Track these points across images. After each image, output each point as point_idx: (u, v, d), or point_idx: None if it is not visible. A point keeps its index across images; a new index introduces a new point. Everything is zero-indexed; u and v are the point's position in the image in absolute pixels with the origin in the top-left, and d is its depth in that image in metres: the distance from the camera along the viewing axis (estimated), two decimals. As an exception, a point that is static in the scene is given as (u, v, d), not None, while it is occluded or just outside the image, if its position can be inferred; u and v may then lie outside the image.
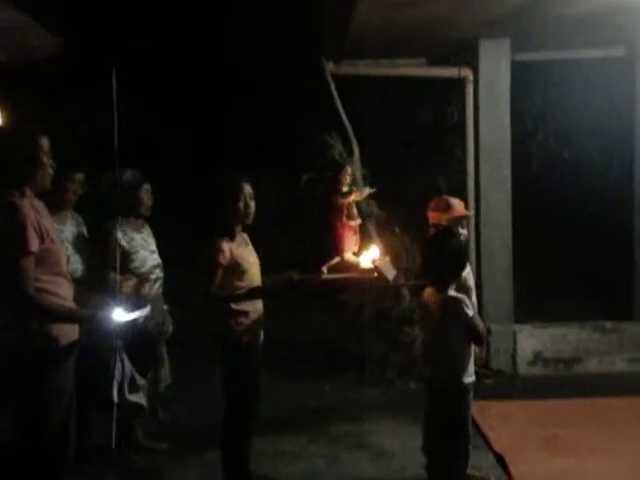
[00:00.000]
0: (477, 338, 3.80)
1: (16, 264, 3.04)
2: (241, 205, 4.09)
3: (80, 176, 4.41)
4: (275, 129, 9.08)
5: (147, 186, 4.67)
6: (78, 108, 9.20)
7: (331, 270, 4.19)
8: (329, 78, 6.64)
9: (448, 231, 4.24)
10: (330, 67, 6.67)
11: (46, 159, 3.24)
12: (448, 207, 4.64)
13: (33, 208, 3.19)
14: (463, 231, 4.54)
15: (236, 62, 10.38)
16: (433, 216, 4.66)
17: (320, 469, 4.63)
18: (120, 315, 3.22)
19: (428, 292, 3.95)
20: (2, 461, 3.35)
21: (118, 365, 3.70)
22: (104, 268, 4.36)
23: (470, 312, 3.73)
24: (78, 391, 3.34)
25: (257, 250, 4.27)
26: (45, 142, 3.24)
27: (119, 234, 4.47)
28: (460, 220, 4.66)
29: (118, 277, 4.32)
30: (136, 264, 4.52)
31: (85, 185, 4.47)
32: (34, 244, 3.09)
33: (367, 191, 4.53)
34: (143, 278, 4.54)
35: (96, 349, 3.62)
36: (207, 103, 10.71)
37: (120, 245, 4.44)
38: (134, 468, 4.58)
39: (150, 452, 4.79)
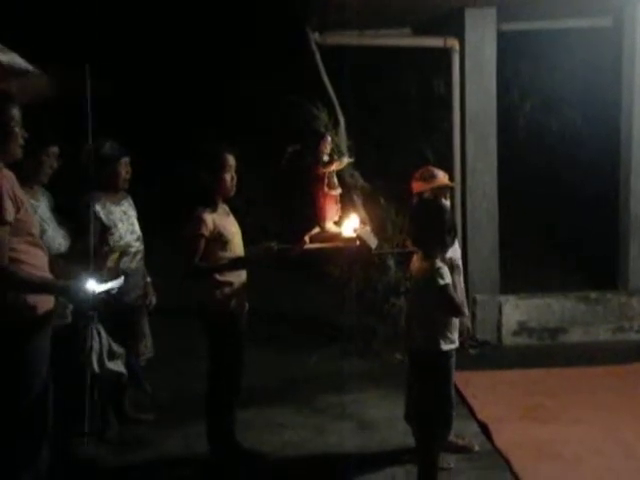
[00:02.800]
0: (449, 309, 3.82)
1: None
2: (224, 176, 4.08)
3: (55, 149, 4.31)
4: (261, 100, 9.01)
5: (126, 159, 4.61)
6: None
7: (313, 240, 4.17)
8: (314, 48, 6.59)
9: (432, 199, 4.24)
10: (315, 37, 6.61)
11: (17, 129, 3.20)
12: (432, 177, 4.63)
13: (8, 178, 3.15)
14: (446, 202, 4.53)
15: (220, 31, 10.27)
16: (417, 186, 4.65)
17: (306, 439, 4.65)
18: (93, 286, 3.20)
19: (415, 260, 3.98)
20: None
21: (95, 335, 3.70)
22: (82, 242, 4.32)
23: (442, 282, 3.74)
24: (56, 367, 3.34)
25: (246, 223, 4.26)
26: (16, 111, 3.19)
27: (97, 207, 4.43)
28: (444, 190, 4.65)
29: (97, 250, 4.29)
30: (115, 237, 4.48)
31: (60, 159, 4.40)
32: (10, 214, 3.06)
33: (347, 160, 4.50)
34: (122, 251, 4.51)
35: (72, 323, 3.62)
36: (190, 74, 10.61)
37: (98, 218, 4.40)
38: (121, 439, 4.60)
39: (136, 423, 4.80)
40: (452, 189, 5.36)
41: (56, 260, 3.64)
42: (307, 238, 4.13)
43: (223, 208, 4.19)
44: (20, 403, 3.15)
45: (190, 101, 10.51)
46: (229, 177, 4.10)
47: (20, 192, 3.20)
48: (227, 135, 4.82)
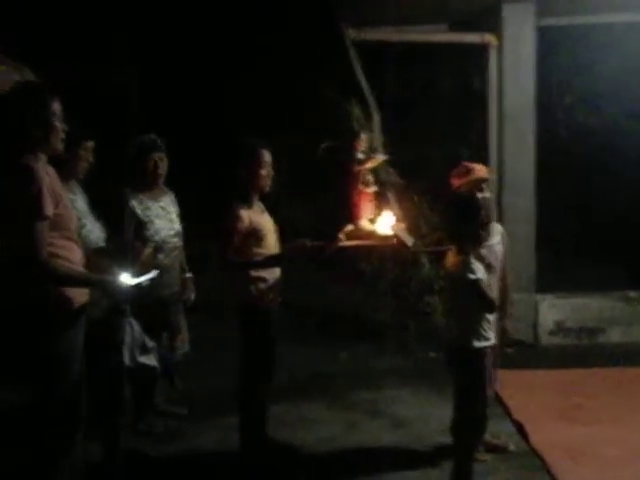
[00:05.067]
0: (481, 305, 3.78)
1: (31, 228, 3.05)
2: (259, 172, 4.08)
3: (91, 144, 4.33)
4: (294, 96, 9.02)
5: (161, 153, 4.62)
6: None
7: (347, 238, 4.16)
8: (349, 44, 6.56)
9: (465, 194, 4.19)
10: (350, 33, 6.59)
11: (58, 123, 3.24)
12: (467, 171, 4.57)
13: (48, 173, 3.20)
14: (484, 194, 4.45)
15: (255, 25, 10.27)
16: (454, 182, 4.61)
17: (338, 435, 4.65)
18: (127, 280, 3.23)
19: (449, 255, 3.96)
20: (20, 425, 3.41)
21: (128, 329, 3.74)
22: (118, 236, 4.36)
23: (473, 276, 3.72)
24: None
25: (277, 219, 4.27)
26: (57, 106, 3.23)
27: (134, 202, 4.47)
28: (480, 183, 4.58)
29: (133, 245, 4.33)
30: (151, 232, 4.51)
31: (94, 153, 4.42)
32: (49, 208, 3.10)
33: (382, 158, 4.48)
34: (157, 246, 4.54)
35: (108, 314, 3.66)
36: (223, 69, 10.64)
37: (134, 213, 4.44)
38: (155, 432, 4.64)
39: (170, 416, 4.84)
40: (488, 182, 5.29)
41: (92, 254, 3.68)
42: (341, 235, 4.12)
43: (258, 205, 4.19)
44: (54, 396, 3.19)
45: (222, 97, 10.55)
46: (265, 173, 4.11)
47: (59, 187, 3.24)
48: (261, 131, 4.82)
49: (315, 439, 4.59)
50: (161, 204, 4.65)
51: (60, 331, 3.17)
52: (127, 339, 3.73)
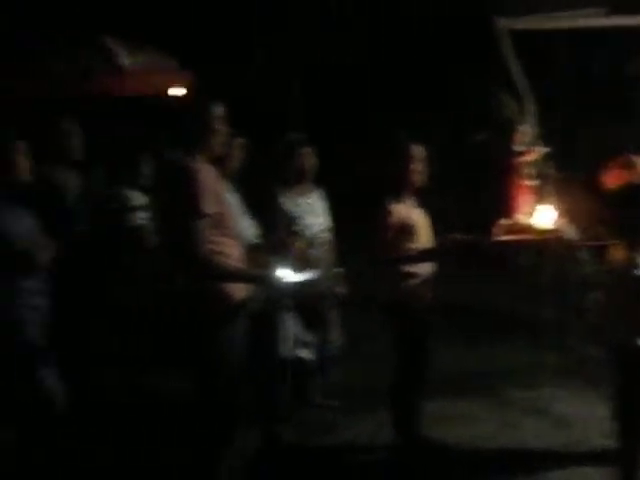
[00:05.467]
0: None
1: (191, 226, 3.19)
2: (412, 167, 4.07)
3: (241, 141, 4.45)
4: (442, 87, 8.89)
5: (308, 149, 4.68)
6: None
7: (504, 232, 4.07)
8: (501, 34, 6.39)
9: (633, 186, 3.97)
10: (502, 23, 6.41)
11: (219, 126, 3.37)
12: (630, 165, 4.35)
13: (207, 173, 3.34)
14: None
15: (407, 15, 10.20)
16: (615, 176, 4.39)
17: (496, 433, 4.56)
18: (288, 276, 3.31)
19: (614, 251, 3.77)
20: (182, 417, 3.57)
21: (286, 323, 3.83)
22: (269, 233, 4.48)
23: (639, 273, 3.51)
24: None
25: (426, 212, 4.24)
26: (219, 109, 3.37)
27: (283, 199, 4.57)
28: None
29: (284, 241, 4.43)
30: (301, 228, 4.58)
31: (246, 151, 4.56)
32: (209, 207, 3.23)
33: (542, 150, 4.33)
34: (309, 242, 4.62)
35: (268, 309, 3.76)
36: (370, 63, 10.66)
37: (284, 210, 4.54)
38: (307, 424, 4.73)
39: (323, 409, 4.90)
40: None
41: (249, 251, 3.81)
42: (497, 229, 4.04)
43: (410, 200, 4.18)
44: (216, 389, 3.32)
45: (372, 90, 10.56)
46: (416, 168, 4.09)
47: (219, 185, 3.38)
48: (412, 124, 4.80)
49: (471, 436, 4.51)
50: (310, 200, 4.73)
51: (220, 326, 3.29)
52: (286, 333, 3.82)
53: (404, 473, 4.16)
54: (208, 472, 3.35)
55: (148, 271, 4.65)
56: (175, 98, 5.21)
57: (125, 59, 6.55)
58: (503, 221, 4.11)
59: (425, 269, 4.13)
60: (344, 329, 4.94)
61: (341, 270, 4.89)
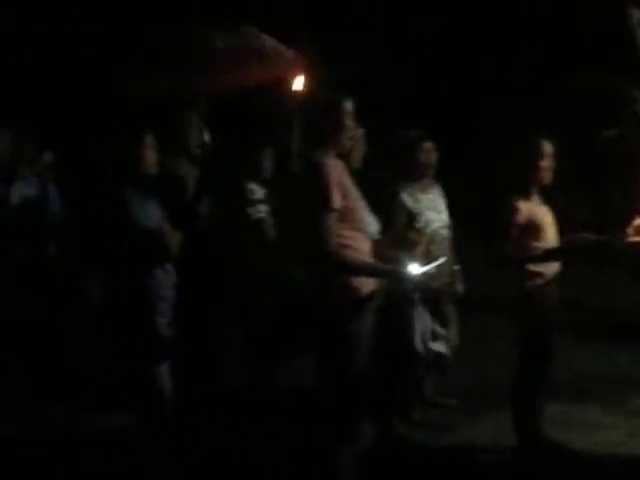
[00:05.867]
0: None
1: (320, 220, 3.22)
2: (540, 164, 3.98)
3: (362, 133, 4.44)
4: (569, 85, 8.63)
5: (428, 145, 4.64)
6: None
7: (637, 232, 3.89)
8: (635, 25, 6.10)
9: None
10: (637, 13, 6.12)
11: (349, 122, 3.38)
12: None
13: (336, 167, 3.36)
14: None
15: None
16: None
17: (618, 441, 4.38)
18: (416, 269, 3.29)
19: None
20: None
21: (418, 316, 3.81)
22: (391, 228, 4.46)
23: None
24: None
25: (552, 210, 4.13)
26: (349, 105, 3.38)
27: (404, 195, 4.53)
28: None
29: (406, 236, 4.40)
30: (422, 225, 4.55)
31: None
32: (337, 201, 3.25)
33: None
34: (429, 238, 4.57)
35: (397, 303, 3.75)
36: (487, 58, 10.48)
37: (405, 206, 4.50)
38: (426, 422, 4.70)
39: (440, 407, 4.87)
40: None
41: (374, 245, 3.81)
42: (630, 230, 3.87)
43: (538, 197, 4.09)
44: (344, 381, 3.33)
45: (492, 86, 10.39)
46: (544, 165, 3.99)
47: (348, 180, 3.40)
48: (538, 121, 4.67)
49: (592, 443, 4.35)
50: (430, 196, 4.70)
51: (348, 320, 3.30)
52: (418, 326, 3.81)
53: (525, 476, 4.07)
54: (330, 468, 3.36)
55: (267, 264, 4.72)
56: (294, 92, 5.22)
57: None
58: (636, 221, 3.93)
59: (551, 268, 4.03)
60: (460, 327, 4.87)
61: (459, 268, 4.84)
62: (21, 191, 5.07)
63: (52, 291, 5.05)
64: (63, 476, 4.19)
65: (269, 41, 5.23)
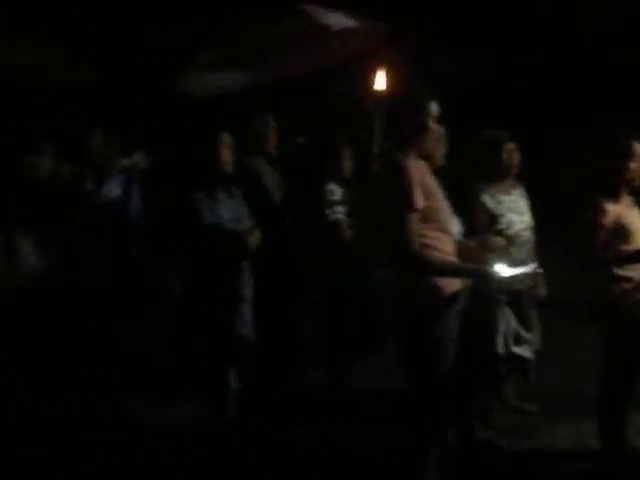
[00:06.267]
0: None
1: (402, 220, 3.21)
2: (629, 165, 3.87)
3: (444, 132, 4.37)
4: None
5: (510, 145, 4.57)
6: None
7: None
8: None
9: None
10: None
11: (432, 125, 3.36)
12: None
13: (418, 168, 3.34)
14: None
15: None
16: None
17: None
18: (503, 270, 3.24)
19: None
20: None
21: (503, 318, 3.75)
22: (471, 230, 4.40)
23: None
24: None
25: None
26: (433, 108, 3.36)
27: (486, 196, 4.47)
28: None
29: (487, 239, 4.34)
30: (502, 226, 4.47)
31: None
32: (419, 201, 3.24)
33: None
34: (510, 240, 4.50)
35: (481, 304, 3.69)
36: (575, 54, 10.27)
37: (486, 207, 4.44)
38: (506, 426, 4.62)
39: (520, 412, 4.79)
40: None
41: (458, 246, 3.77)
42: None
43: (627, 199, 3.97)
44: (429, 382, 3.31)
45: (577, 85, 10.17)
46: (635, 166, 3.88)
47: (431, 180, 3.38)
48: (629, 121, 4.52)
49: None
50: (512, 197, 4.62)
51: (433, 319, 3.28)
52: (502, 328, 3.75)
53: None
54: (417, 470, 3.34)
55: (345, 265, 4.73)
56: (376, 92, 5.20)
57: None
58: None
59: (639, 273, 3.89)
60: (542, 331, 4.77)
61: (541, 271, 4.74)
62: (110, 191, 5.21)
63: (134, 290, 5.17)
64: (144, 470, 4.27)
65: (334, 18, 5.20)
